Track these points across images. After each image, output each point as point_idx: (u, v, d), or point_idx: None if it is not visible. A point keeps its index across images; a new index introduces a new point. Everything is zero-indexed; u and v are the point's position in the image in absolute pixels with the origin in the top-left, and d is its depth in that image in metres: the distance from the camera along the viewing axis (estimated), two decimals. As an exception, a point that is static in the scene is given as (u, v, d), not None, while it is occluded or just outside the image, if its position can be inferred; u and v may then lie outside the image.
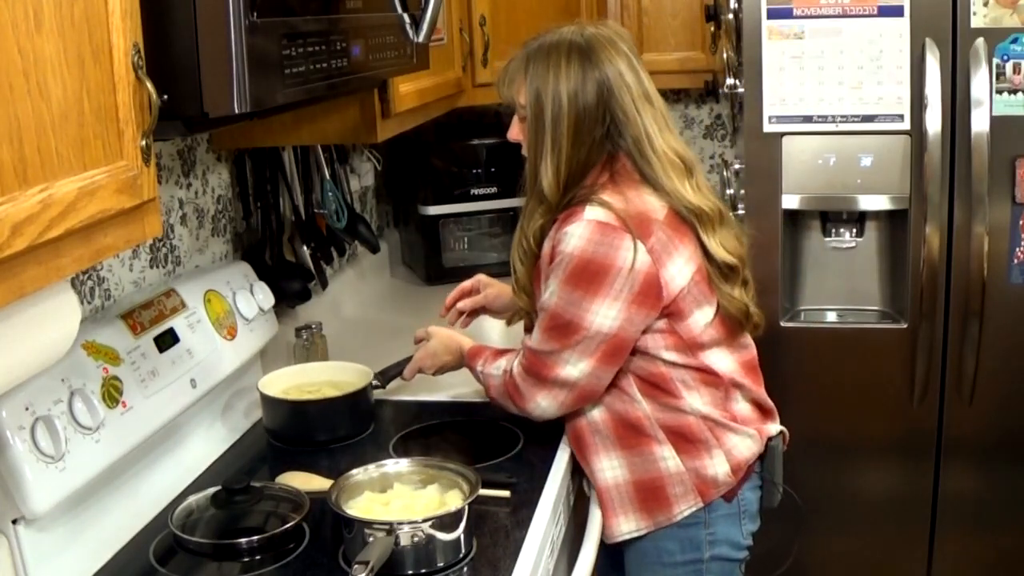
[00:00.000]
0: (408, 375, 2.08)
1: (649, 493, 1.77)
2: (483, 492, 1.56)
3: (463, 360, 1.98)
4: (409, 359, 2.18)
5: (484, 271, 3.09)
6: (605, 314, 1.69)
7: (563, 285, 1.70)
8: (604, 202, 1.71)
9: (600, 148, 1.75)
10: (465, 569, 1.49)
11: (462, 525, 1.49)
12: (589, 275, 1.68)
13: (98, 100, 1.08)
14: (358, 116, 1.99)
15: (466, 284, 2.22)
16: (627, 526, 1.80)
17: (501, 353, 1.90)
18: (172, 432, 1.77)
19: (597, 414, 1.79)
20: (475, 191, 3.05)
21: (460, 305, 2.19)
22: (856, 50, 2.47)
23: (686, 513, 1.77)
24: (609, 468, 1.79)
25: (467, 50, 2.62)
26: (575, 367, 1.72)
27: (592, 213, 1.70)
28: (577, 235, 1.69)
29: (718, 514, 1.79)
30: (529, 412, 1.81)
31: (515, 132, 1.83)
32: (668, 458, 1.76)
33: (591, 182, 1.76)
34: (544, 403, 1.78)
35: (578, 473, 1.88)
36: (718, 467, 1.77)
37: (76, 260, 1.07)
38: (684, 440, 1.76)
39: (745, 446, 1.80)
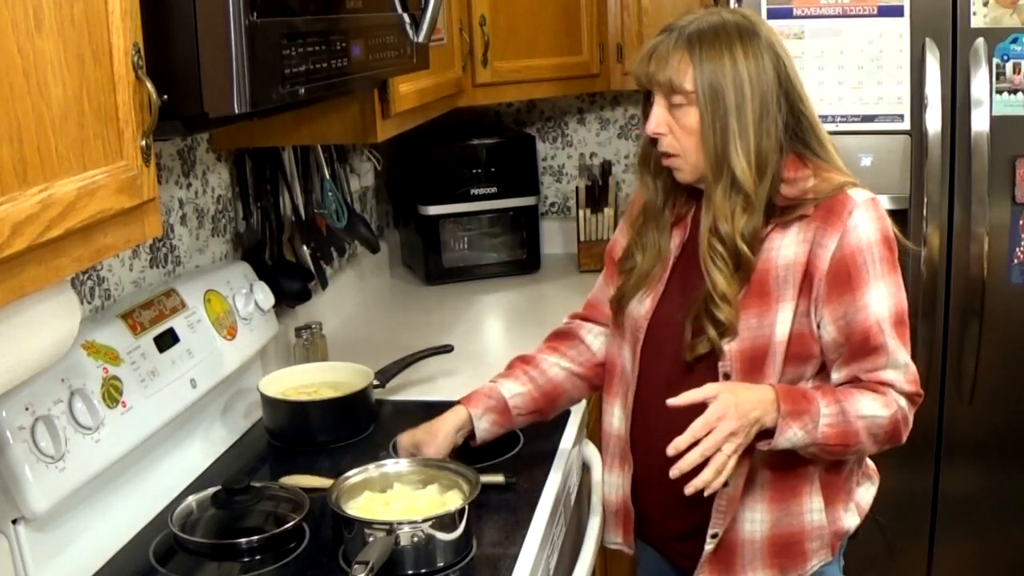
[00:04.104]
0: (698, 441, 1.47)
1: (785, 548, 1.65)
2: (482, 479, 1.57)
3: (775, 415, 1.52)
4: (409, 358, 2.17)
5: (483, 271, 3.12)
6: (902, 285, 1.61)
7: (886, 277, 1.57)
8: (851, 182, 1.60)
9: (781, 139, 1.59)
10: (465, 569, 1.49)
11: (462, 525, 1.49)
12: (892, 252, 1.59)
13: (98, 100, 1.08)
14: (358, 116, 1.99)
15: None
16: None
17: (830, 392, 1.57)
18: (172, 432, 1.77)
19: (758, 463, 1.61)
20: (475, 191, 3.05)
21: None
22: (856, 50, 2.47)
23: (816, 568, 1.68)
24: (749, 522, 1.65)
25: (467, 50, 2.62)
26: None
27: (859, 194, 1.58)
28: (865, 219, 1.56)
29: None
30: (904, 439, 1.64)
31: (661, 123, 1.59)
32: (815, 511, 1.65)
33: (792, 175, 1.60)
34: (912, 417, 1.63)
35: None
36: (850, 519, 1.70)
37: (76, 260, 1.07)
38: (833, 488, 1.66)
39: (869, 493, 1.76)
